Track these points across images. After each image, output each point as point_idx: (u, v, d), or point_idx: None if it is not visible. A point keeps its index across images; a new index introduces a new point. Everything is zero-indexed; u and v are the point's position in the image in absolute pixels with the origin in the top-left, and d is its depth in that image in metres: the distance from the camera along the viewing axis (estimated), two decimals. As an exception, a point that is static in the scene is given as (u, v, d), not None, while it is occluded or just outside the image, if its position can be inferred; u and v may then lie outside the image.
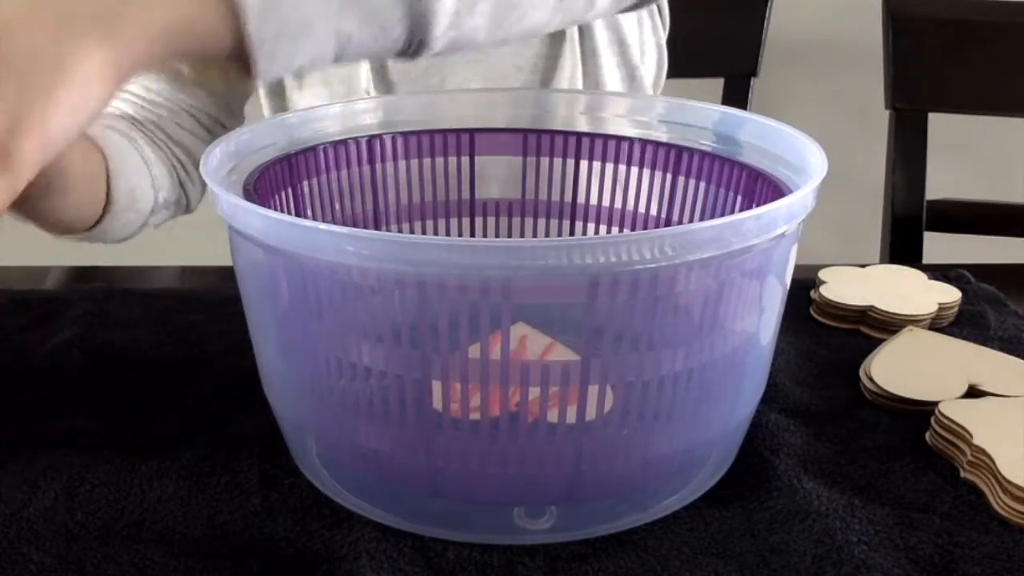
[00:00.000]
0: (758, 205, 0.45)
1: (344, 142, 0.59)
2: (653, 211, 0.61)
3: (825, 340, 0.65)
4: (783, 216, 0.43)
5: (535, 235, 0.65)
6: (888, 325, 0.65)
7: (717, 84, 1.18)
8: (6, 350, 0.63)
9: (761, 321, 0.47)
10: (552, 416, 0.43)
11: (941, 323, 0.67)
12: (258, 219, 0.43)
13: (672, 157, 0.59)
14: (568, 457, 0.44)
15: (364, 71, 0.76)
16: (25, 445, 0.52)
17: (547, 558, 0.45)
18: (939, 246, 1.08)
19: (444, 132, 0.62)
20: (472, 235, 0.64)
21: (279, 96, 0.80)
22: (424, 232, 0.64)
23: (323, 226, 0.41)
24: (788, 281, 0.48)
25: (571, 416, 0.43)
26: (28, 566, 0.44)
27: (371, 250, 0.40)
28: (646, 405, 0.44)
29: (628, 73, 0.80)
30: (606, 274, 0.40)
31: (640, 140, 0.61)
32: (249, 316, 0.50)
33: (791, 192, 0.45)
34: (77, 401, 0.57)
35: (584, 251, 0.39)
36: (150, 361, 0.62)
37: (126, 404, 0.57)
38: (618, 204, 0.62)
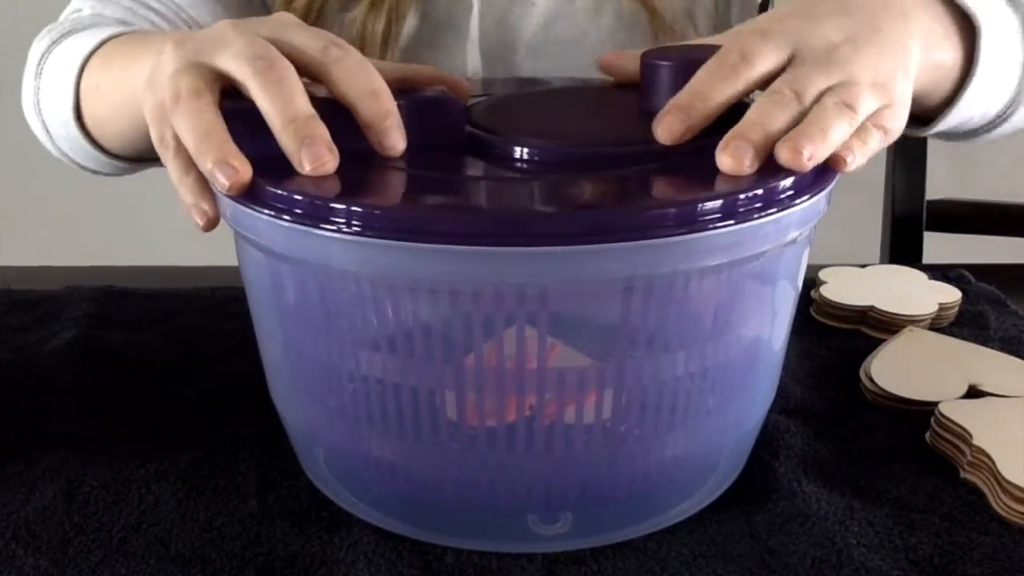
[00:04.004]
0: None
1: None
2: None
3: (825, 340, 0.65)
4: (796, 220, 0.43)
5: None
6: (888, 325, 0.65)
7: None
8: (6, 350, 0.63)
9: (774, 324, 0.47)
10: (568, 418, 0.43)
11: (941, 323, 0.67)
12: (264, 225, 0.42)
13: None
14: (585, 462, 0.44)
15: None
16: (23, 446, 0.52)
17: (546, 562, 0.44)
18: (939, 246, 1.08)
19: None
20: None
21: None
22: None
23: (336, 234, 0.40)
24: (799, 285, 0.48)
25: (588, 418, 0.43)
26: (24, 568, 0.44)
27: (384, 257, 0.40)
28: (661, 410, 0.44)
29: None
30: (637, 278, 0.40)
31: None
32: (256, 321, 0.49)
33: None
34: (76, 402, 0.57)
35: (614, 256, 0.39)
36: (150, 362, 0.62)
37: (125, 405, 0.57)
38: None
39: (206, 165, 0.43)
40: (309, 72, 0.46)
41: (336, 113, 0.44)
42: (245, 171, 0.42)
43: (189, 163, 0.47)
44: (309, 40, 0.46)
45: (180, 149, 0.47)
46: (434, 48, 0.78)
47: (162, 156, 0.49)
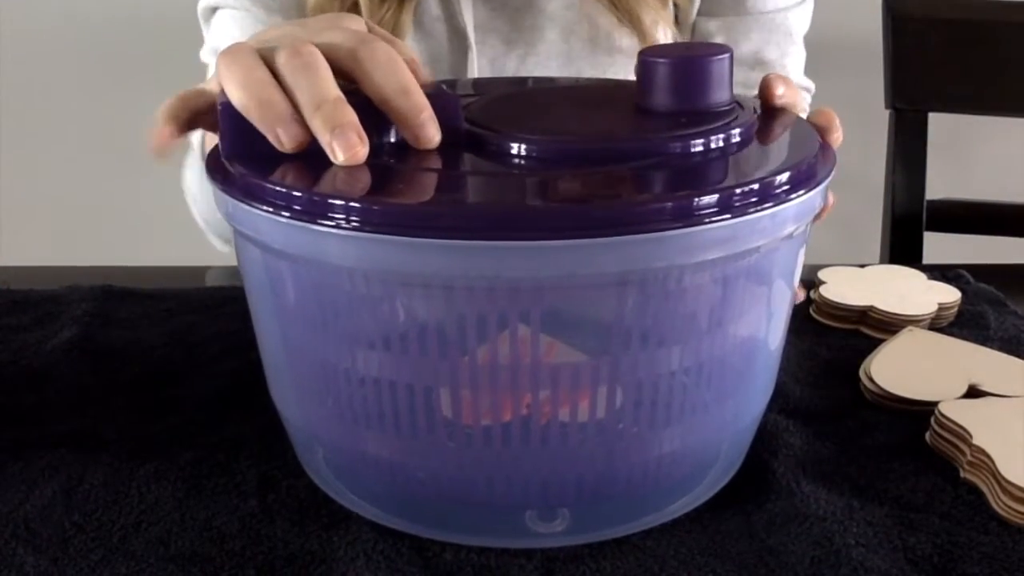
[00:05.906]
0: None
1: None
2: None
3: (825, 340, 0.65)
4: (792, 215, 0.43)
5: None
6: (888, 325, 0.65)
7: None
8: (6, 350, 0.63)
9: (771, 319, 0.47)
10: (565, 415, 0.43)
11: (941, 323, 0.67)
12: (262, 221, 0.42)
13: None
14: (583, 458, 0.44)
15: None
16: (23, 445, 0.52)
17: (544, 559, 0.44)
18: (939, 246, 1.08)
19: None
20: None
21: None
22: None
23: (333, 229, 0.40)
24: (796, 281, 0.48)
25: (583, 416, 0.43)
26: (24, 567, 0.44)
27: (381, 252, 0.40)
28: (657, 404, 0.44)
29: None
30: (633, 273, 0.40)
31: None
32: (255, 320, 0.49)
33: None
34: (76, 401, 0.57)
35: (609, 250, 0.39)
36: (149, 362, 0.62)
37: (125, 405, 0.57)
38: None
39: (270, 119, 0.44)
40: (342, 69, 0.46)
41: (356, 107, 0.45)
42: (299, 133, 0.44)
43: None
44: (340, 38, 0.47)
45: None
46: None
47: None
